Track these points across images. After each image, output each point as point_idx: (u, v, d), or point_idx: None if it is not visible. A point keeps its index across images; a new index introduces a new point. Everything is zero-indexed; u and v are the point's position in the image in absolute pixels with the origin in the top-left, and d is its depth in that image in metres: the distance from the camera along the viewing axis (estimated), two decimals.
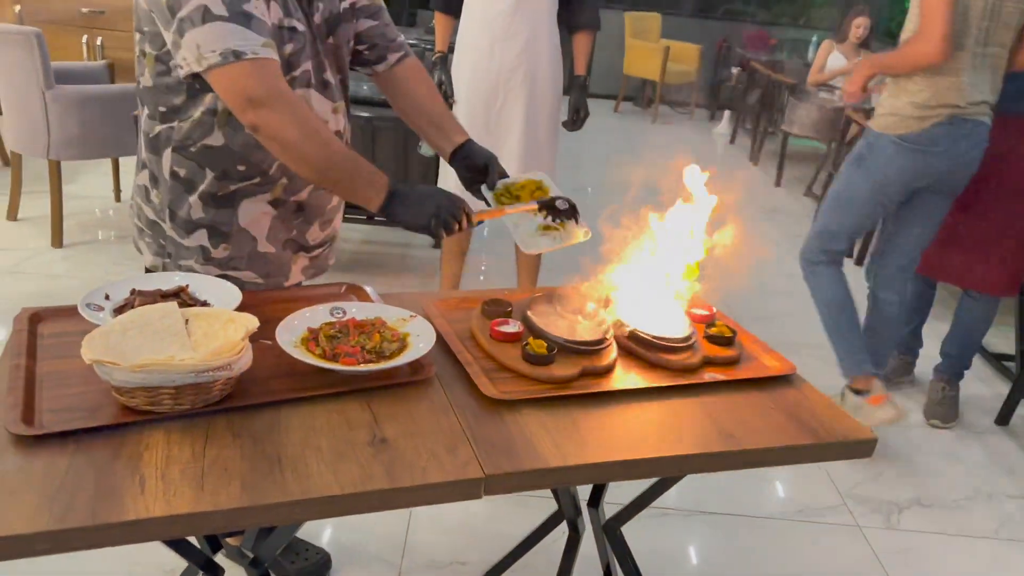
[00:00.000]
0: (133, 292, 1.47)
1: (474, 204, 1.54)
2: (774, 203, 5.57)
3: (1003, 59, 2.48)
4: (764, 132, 6.59)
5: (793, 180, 6.13)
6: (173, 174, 1.55)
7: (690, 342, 1.51)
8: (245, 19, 1.35)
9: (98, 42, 5.21)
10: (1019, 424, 2.98)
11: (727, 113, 7.67)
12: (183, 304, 1.38)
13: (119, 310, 1.41)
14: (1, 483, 1.04)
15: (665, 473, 1.26)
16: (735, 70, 7.59)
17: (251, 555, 1.47)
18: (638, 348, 1.49)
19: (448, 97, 2.90)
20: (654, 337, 1.50)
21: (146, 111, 1.54)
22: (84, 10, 5.24)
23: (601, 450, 1.22)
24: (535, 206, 1.62)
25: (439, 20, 2.97)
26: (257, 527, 1.09)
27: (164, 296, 1.46)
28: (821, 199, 5.26)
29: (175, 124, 1.51)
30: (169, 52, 1.42)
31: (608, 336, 1.49)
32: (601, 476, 1.21)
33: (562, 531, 1.79)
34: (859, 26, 5.84)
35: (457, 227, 1.46)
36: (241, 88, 1.35)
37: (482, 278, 3.84)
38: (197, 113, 1.49)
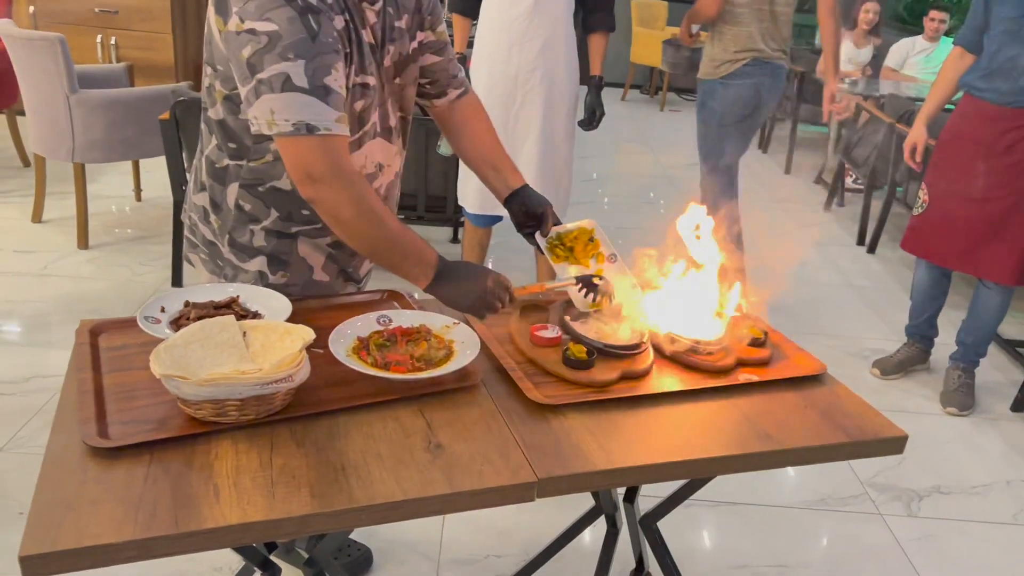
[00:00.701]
0: (187, 304, 1.52)
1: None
2: (784, 191, 5.61)
3: (788, 15, 3.28)
4: (772, 119, 6.61)
5: (802, 167, 6.16)
6: (238, 207, 1.57)
7: (722, 346, 1.57)
8: (324, 93, 1.34)
9: (112, 42, 5.26)
10: None
11: None
12: (235, 315, 1.43)
13: (175, 322, 1.46)
14: (83, 494, 1.10)
15: (709, 473, 1.32)
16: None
17: (306, 555, 1.53)
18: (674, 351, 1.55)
19: None
20: (692, 341, 1.55)
21: (214, 140, 1.55)
22: (97, 10, 5.27)
23: (646, 452, 1.28)
24: (574, 282, 1.63)
25: (457, 22, 3.01)
26: (327, 532, 1.15)
27: (217, 308, 1.52)
28: (831, 187, 5.30)
29: (243, 163, 1.53)
30: (240, 94, 1.43)
31: (644, 340, 1.54)
32: (648, 477, 1.27)
33: (592, 525, 1.85)
34: (868, 11, 5.85)
35: (497, 308, 1.48)
36: (305, 162, 1.36)
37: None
38: (268, 156, 1.51)
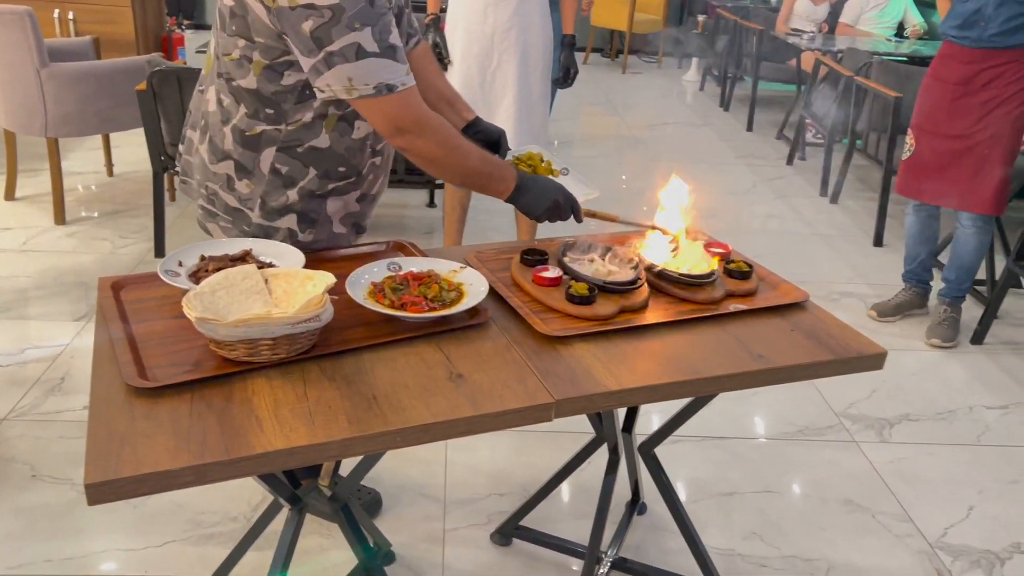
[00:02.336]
0: (203, 258, 1.59)
1: None
2: (748, 148, 5.74)
3: None
4: (733, 78, 6.73)
5: (764, 124, 6.29)
6: (274, 171, 1.62)
7: (713, 278, 1.67)
8: (392, 52, 1.45)
9: (70, 16, 5.18)
10: (992, 343, 3.21)
11: (695, 61, 7.80)
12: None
13: (194, 274, 1.53)
14: (135, 430, 1.17)
15: (712, 390, 1.43)
16: (701, 17, 7.69)
17: (329, 492, 1.62)
18: (667, 286, 1.65)
19: (443, 59, 3.00)
20: (681, 274, 1.65)
21: (243, 109, 1.58)
22: None
23: (650, 375, 1.38)
24: (650, 228, 1.78)
25: None
26: (366, 454, 1.24)
27: (232, 260, 1.58)
28: (792, 142, 5.44)
29: (282, 127, 1.58)
30: (286, 63, 1.49)
31: (640, 276, 1.64)
32: (655, 396, 1.37)
33: (588, 461, 1.96)
34: None
35: (564, 218, 1.69)
36: (392, 118, 1.48)
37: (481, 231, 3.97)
38: (307, 118, 1.57)
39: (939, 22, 6.03)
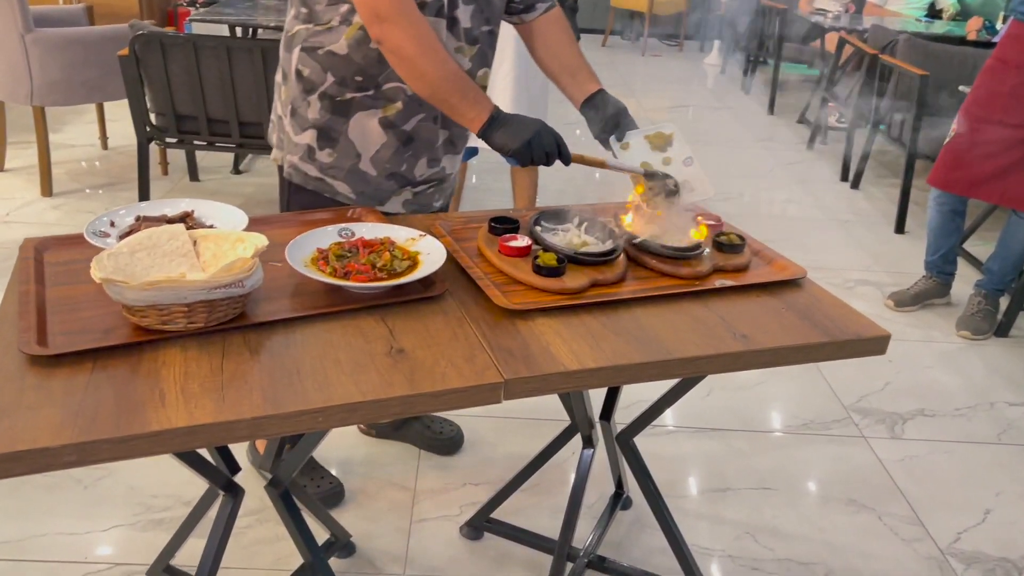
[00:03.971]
0: (138, 219, 1.46)
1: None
2: (767, 131, 5.53)
3: None
4: (755, 61, 6.51)
5: (786, 107, 6.08)
6: (298, 73, 1.62)
7: (699, 251, 1.51)
8: None
9: None
10: (1018, 335, 3.01)
11: (716, 43, 7.57)
12: (189, 229, 1.36)
13: (125, 236, 1.39)
14: (21, 401, 1.04)
15: (683, 373, 1.27)
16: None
17: (269, 475, 1.48)
18: (648, 259, 1.49)
19: None
20: (663, 246, 1.49)
21: (292, 11, 1.62)
22: None
23: (617, 355, 1.22)
24: (641, 174, 1.59)
25: None
26: (279, 436, 1.10)
27: (169, 221, 1.45)
28: (814, 126, 5.23)
29: (310, 26, 1.59)
30: None
31: (617, 248, 1.48)
32: (618, 378, 1.22)
33: (572, 450, 1.81)
34: None
35: (547, 159, 1.50)
36: (372, 2, 1.44)
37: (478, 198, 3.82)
38: (334, 21, 1.56)
39: (972, 4, 5.78)
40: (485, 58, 1.68)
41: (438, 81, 1.48)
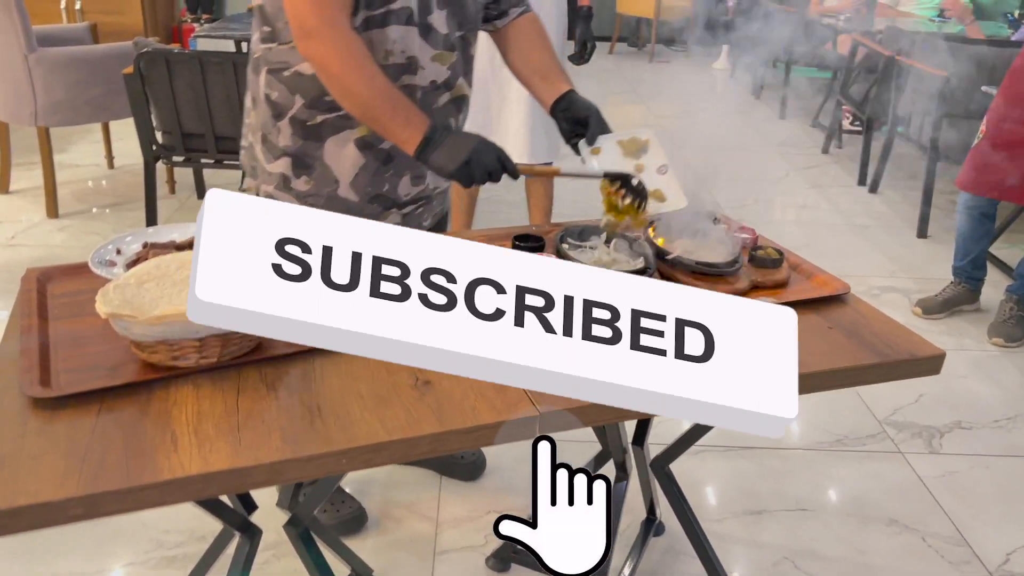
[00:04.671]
0: (146, 245, 1.39)
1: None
2: (780, 136, 5.45)
3: None
4: (764, 65, 6.42)
5: (798, 112, 5.99)
6: (266, 96, 1.53)
7: (736, 266, 1.43)
8: None
9: (77, 6, 5.05)
10: None
11: (725, 48, 7.49)
12: None
13: (132, 265, 1.32)
14: (23, 449, 0.96)
15: None
16: (732, 2, 7.38)
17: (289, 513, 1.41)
18: (682, 276, 1.41)
19: None
20: (698, 262, 1.42)
21: (256, 33, 1.54)
22: None
23: None
24: (601, 175, 1.48)
25: None
26: (300, 481, 1.02)
27: (179, 248, 1.38)
28: (828, 130, 5.14)
29: (273, 47, 1.50)
30: None
31: (649, 265, 1.41)
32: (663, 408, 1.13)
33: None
34: None
35: (489, 177, 1.38)
36: (299, 14, 1.36)
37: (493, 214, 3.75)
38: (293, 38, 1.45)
39: (986, 3, 5.69)
40: (463, 66, 1.57)
41: (367, 99, 1.38)
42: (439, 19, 1.49)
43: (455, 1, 1.51)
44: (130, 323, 1.07)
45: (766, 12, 6.18)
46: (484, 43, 2.72)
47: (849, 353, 1.25)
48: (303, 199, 1.55)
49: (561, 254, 1.43)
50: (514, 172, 1.40)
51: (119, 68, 3.31)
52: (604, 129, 1.53)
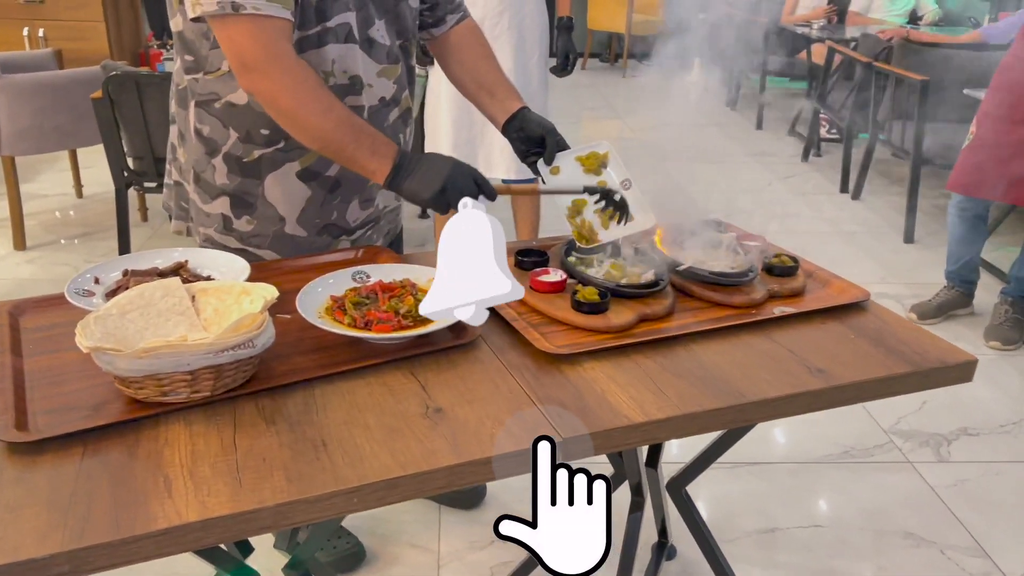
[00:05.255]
0: (126, 273, 1.30)
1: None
2: (759, 146, 5.44)
3: None
4: (739, 76, 6.44)
5: (773, 121, 6.00)
6: (197, 132, 1.41)
7: (752, 275, 1.37)
8: None
9: (40, 33, 4.93)
10: None
11: (696, 61, 7.51)
12: (185, 282, 1.20)
13: (112, 294, 1.23)
14: None
15: (760, 418, 1.12)
16: (702, 15, 7.42)
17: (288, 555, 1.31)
18: (696, 287, 1.35)
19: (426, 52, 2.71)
20: (711, 273, 1.35)
21: (178, 61, 1.40)
22: (22, 0, 4.94)
23: (685, 402, 1.07)
24: (581, 190, 1.41)
25: None
26: (308, 523, 0.94)
27: (161, 275, 1.29)
28: (807, 138, 5.14)
29: (199, 76, 1.37)
30: None
31: (663, 277, 1.34)
32: (690, 428, 1.07)
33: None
34: None
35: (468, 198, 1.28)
36: (237, 47, 1.23)
37: None
38: (223, 66, 1.34)
39: (954, 8, 5.75)
40: (407, 78, 1.49)
41: (326, 132, 1.26)
42: (380, 31, 1.40)
43: (391, 10, 1.42)
44: (115, 357, 0.98)
45: (738, 24, 6.21)
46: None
47: (878, 362, 1.19)
48: (246, 240, 1.45)
49: (567, 268, 1.36)
50: (491, 194, 1.29)
51: (86, 94, 3.21)
52: (561, 146, 1.46)
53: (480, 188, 1.26)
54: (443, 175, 1.24)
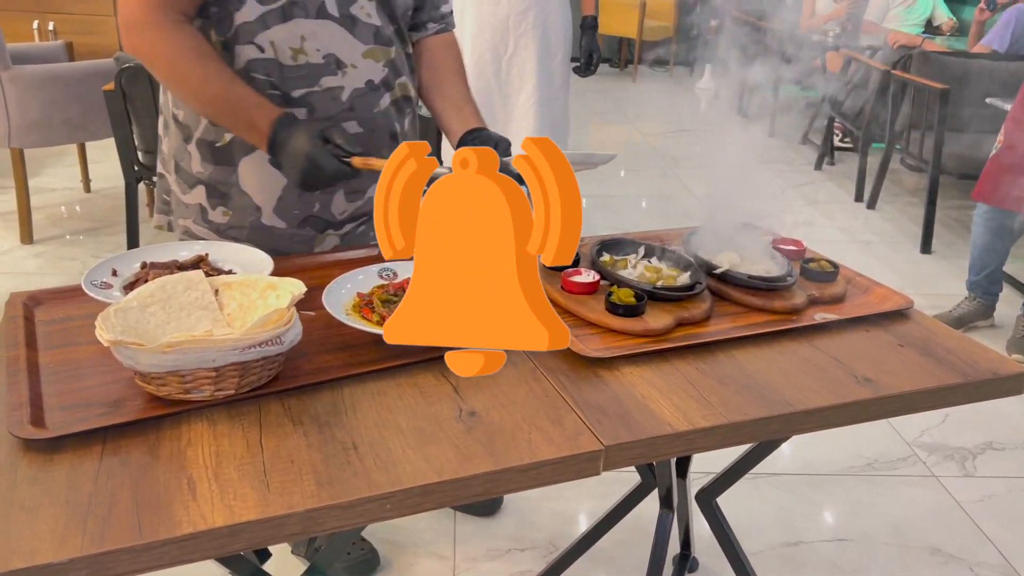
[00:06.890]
0: (144, 265, 1.25)
1: None
2: (771, 154, 5.40)
3: None
4: (751, 84, 6.40)
5: (786, 129, 5.96)
6: (174, 117, 1.39)
7: (791, 280, 1.32)
8: None
9: (50, 27, 4.89)
10: None
11: (708, 68, 7.48)
12: (206, 276, 1.15)
13: (130, 287, 1.19)
14: (14, 500, 0.82)
15: (807, 428, 1.07)
16: (714, 22, 7.38)
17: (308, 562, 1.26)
18: (734, 292, 1.30)
19: None
20: (750, 276, 1.31)
21: None
22: None
23: (730, 410, 1.02)
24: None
25: None
26: (339, 530, 0.89)
27: (181, 267, 1.25)
28: (821, 147, 5.10)
29: None
30: None
31: (700, 280, 1.29)
32: (736, 438, 1.02)
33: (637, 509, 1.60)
34: None
35: (332, 184, 1.26)
36: (123, 7, 1.24)
37: None
38: None
39: (970, 17, 5.70)
40: (406, 64, 1.43)
41: (208, 100, 1.25)
42: (365, 9, 1.34)
43: None
44: (137, 352, 0.93)
45: (750, 31, 6.17)
46: (488, 56, 2.63)
47: (928, 372, 1.14)
48: (223, 233, 1.40)
49: (600, 269, 1.31)
50: (351, 173, 1.23)
51: (97, 86, 3.16)
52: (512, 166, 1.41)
53: (341, 171, 1.20)
54: (299, 165, 1.20)
